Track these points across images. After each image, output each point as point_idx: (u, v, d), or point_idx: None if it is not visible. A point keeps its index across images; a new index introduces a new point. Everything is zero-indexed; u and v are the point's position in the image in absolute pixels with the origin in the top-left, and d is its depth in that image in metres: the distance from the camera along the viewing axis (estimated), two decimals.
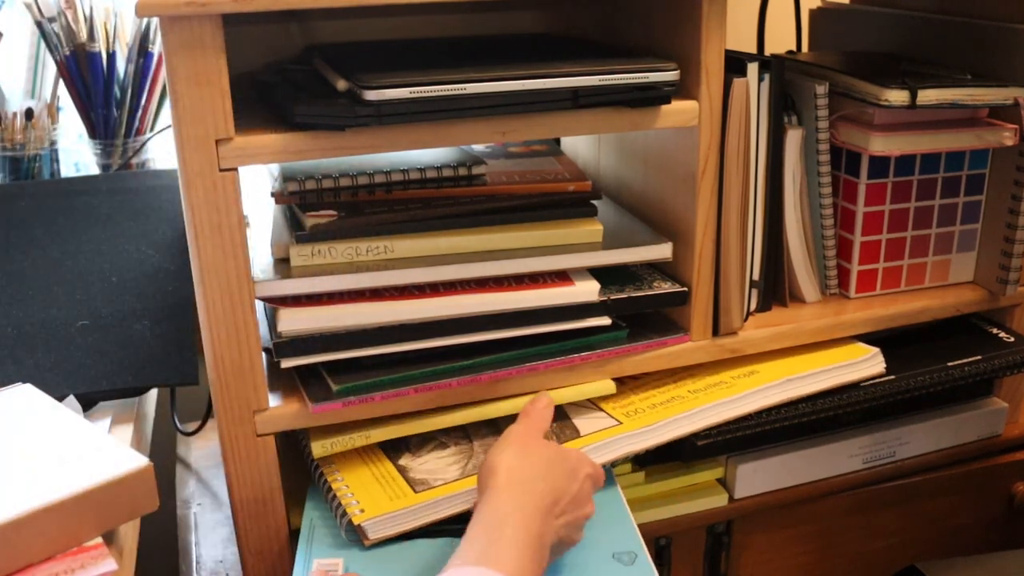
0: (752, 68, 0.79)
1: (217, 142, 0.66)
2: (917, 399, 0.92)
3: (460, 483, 0.74)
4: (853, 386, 0.88)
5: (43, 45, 1.08)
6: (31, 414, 0.70)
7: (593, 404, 0.84)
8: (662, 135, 0.85)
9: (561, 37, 0.97)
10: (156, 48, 1.09)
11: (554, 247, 0.80)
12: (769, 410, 0.85)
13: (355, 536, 0.72)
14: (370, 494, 0.73)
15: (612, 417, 0.81)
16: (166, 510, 0.81)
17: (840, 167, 0.92)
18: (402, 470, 0.76)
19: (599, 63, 0.73)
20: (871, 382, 0.88)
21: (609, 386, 0.83)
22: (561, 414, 0.82)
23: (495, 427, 0.81)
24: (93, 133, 1.10)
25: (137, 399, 0.84)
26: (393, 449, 0.79)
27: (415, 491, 0.73)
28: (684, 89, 0.78)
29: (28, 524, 0.58)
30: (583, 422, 0.81)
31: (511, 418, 0.77)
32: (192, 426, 0.99)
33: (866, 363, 0.88)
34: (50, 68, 1.11)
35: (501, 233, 0.79)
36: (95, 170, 1.12)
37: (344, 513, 0.72)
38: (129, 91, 1.09)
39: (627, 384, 0.86)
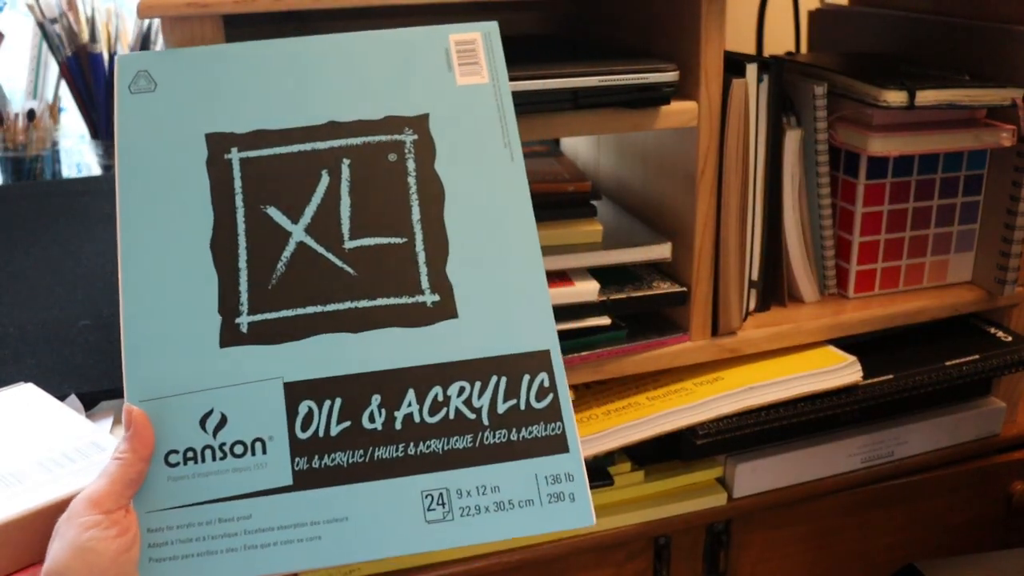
0: (751, 69, 0.80)
1: None
2: (915, 399, 0.92)
3: None
4: (852, 386, 0.88)
5: (45, 46, 1.08)
6: (33, 413, 0.70)
7: None
8: (661, 136, 0.85)
9: (561, 37, 0.98)
10: (158, 49, 1.09)
11: (554, 247, 0.80)
12: (768, 409, 0.86)
13: None
14: None
15: None
16: None
17: (839, 168, 0.92)
18: None
19: (599, 64, 0.74)
20: (870, 381, 0.88)
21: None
22: None
23: None
24: (95, 134, 1.11)
25: None
26: None
27: None
28: (683, 90, 0.78)
29: (29, 523, 0.58)
30: None
31: None
32: None
33: (840, 371, 0.87)
34: (52, 69, 1.11)
35: None
36: (97, 171, 1.13)
37: None
38: None
39: (594, 389, 0.86)
